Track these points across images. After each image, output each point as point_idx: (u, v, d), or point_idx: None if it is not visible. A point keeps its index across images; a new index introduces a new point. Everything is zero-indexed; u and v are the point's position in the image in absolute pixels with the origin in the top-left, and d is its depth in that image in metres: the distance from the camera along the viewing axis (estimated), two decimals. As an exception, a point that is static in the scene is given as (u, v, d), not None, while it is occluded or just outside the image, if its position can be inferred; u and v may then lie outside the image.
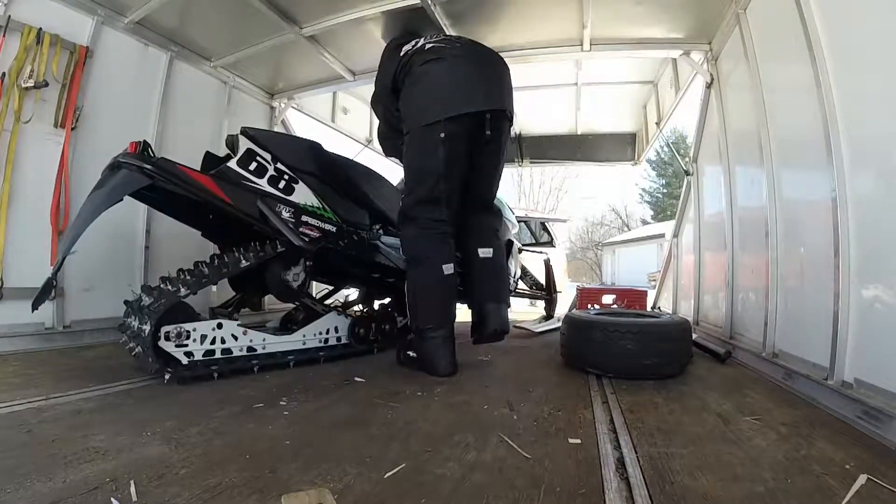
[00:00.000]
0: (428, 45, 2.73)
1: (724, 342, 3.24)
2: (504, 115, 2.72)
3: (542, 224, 8.86)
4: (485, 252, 2.80)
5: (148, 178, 2.08)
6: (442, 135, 2.50)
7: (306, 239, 2.55)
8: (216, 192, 2.26)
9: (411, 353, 2.61)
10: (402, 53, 2.82)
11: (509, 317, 2.91)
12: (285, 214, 2.49)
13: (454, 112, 2.52)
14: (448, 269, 2.56)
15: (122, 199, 2.08)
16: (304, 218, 2.56)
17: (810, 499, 1.15)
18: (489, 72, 2.73)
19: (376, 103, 3.08)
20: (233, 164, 2.38)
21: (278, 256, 2.53)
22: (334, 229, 2.69)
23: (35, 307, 2.20)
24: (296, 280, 2.64)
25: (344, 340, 2.85)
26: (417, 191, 2.61)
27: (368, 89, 5.56)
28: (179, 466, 1.27)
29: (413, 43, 2.85)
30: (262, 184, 2.44)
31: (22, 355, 2.63)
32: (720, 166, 3.54)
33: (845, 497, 1.15)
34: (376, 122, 6.17)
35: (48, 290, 2.24)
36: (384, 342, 3.12)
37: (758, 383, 2.37)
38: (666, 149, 30.63)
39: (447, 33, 2.99)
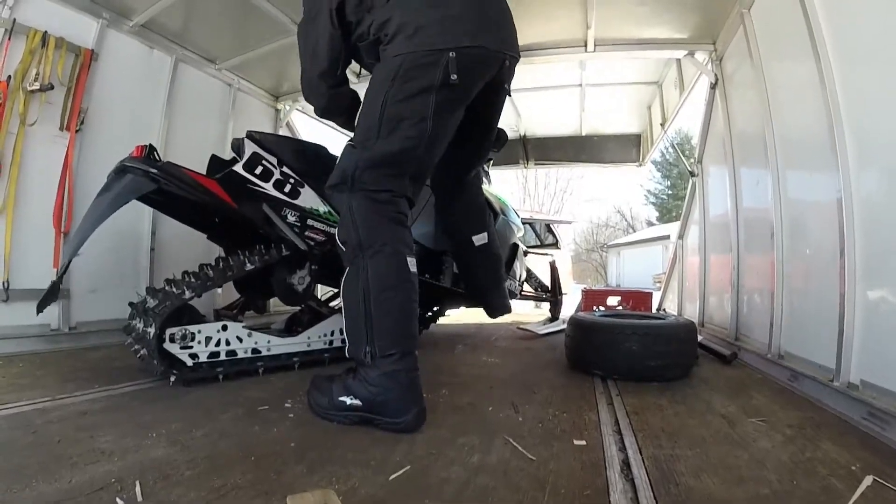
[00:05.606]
0: None
1: (730, 344, 3.22)
2: (515, 63, 1.98)
3: (547, 226, 8.87)
4: (479, 239, 2.43)
5: (154, 182, 2.08)
6: (445, 73, 1.67)
7: (312, 243, 2.54)
8: (222, 196, 2.26)
9: (349, 400, 1.68)
10: None
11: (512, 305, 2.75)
12: (291, 218, 2.48)
13: (471, 42, 1.71)
14: (413, 264, 1.74)
15: (127, 203, 2.09)
16: (310, 222, 2.56)
17: (816, 501, 1.15)
18: (501, 5, 1.95)
19: (308, 29, 2.00)
20: (239, 167, 2.38)
21: (283, 260, 2.53)
22: None
23: (40, 310, 2.21)
24: (301, 284, 2.64)
25: (349, 342, 2.84)
26: (379, 146, 1.72)
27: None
28: (185, 468, 1.27)
29: None
30: (268, 188, 2.44)
31: (28, 356, 2.64)
32: (725, 167, 3.53)
33: (851, 499, 1.14)
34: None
35: (54, 294, 2.25)
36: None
37: (763, 385, 2.37)
38: (671, 150, 30.60)
39: None
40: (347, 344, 1.72)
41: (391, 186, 1.74)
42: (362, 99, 1.90)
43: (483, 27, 1.77)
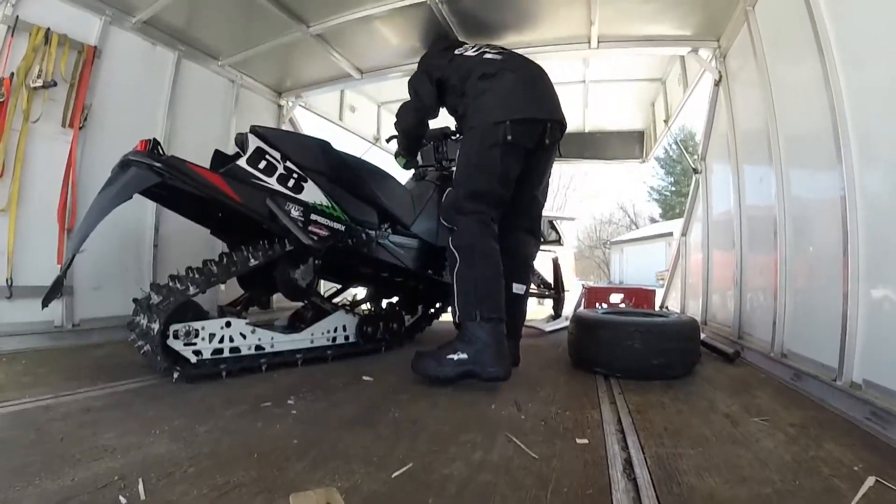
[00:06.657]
0: (487, 56, 2.74)
1: (733, 342, 3.22)
2: (560, 126, 2.71)
3: (550, 222, 8.83)
4: (518, 288, 2.70)
5: (157, 176, 2.08)
6: (504, 135, 2.42)
7: (315, 238, 2.54)
8: (226, 190, 2.26)
9: (456, 356, 2.20)
10: (456, 52, 2.88)
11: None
12: (294, 213, 2.48)
13: (519, 115, 2.49)
14: (501, 268, 2.43)
15: (131, 198, 2.09)
16: (313, 216, 2.56)
17: (818, 500, 1.15)
18: (544, 85, 2.74)
19: (419, 81, 2.96)
20: (242, 162, 2.38)
21: (287, 255, 2.53)
22: (343, 228, 2.68)
23: (45, 304, 2.22)
24: (304, 279, 2.63)
25: (352, 339, 2.85)
26: (469, 185, 2.49)
27: (376, 88, 5.65)
28: (188, 465, 1.27)
29: (466, 47, 2.92)
30: (272, 182, 2.44)
31: (31, 353, 2.65)
32: (729, 164, 3.52)
33: (853, 499, 1.14)
34: (384, 120, 6.24)
35: (58, 288, 2.25)
36: (392, 341, 3.13)
37: (766, 384, 2.36)
38: (674, 146, 30.59)
39: (496, 45, 2.97)
40: (459, 313, 2.32)
41: (484, 210, 2.46)
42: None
43: (529, 104, 2.57)
